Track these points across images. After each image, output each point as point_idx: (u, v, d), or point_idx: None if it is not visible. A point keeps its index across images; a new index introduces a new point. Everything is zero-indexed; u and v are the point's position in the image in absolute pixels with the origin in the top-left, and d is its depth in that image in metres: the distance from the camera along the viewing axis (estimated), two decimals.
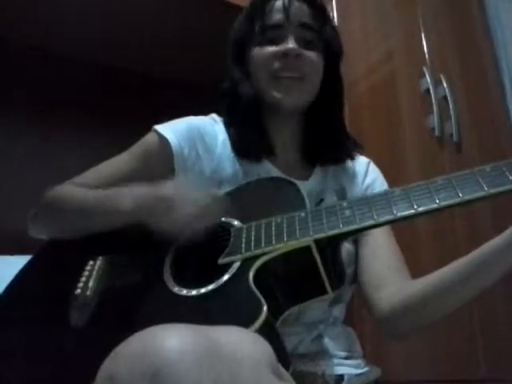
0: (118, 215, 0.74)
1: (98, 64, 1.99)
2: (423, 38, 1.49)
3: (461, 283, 0.70)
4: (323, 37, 0.88)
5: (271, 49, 0.85)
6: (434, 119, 1.38)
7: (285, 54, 0.83)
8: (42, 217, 0.84)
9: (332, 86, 0.91)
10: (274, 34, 0.86)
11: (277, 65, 0.84)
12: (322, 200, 0.85)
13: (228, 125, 0.90)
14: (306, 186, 0.83)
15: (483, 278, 0.69)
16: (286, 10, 0.85)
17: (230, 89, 0.90)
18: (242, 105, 0.87)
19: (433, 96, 1.39)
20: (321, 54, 0.87)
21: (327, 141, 0.91)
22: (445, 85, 1.38)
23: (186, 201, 0.70)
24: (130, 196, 0.74)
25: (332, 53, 0.90)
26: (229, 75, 0.91)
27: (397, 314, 0.78)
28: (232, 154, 0.87)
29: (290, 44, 0.83)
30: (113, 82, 2.02)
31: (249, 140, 0.87)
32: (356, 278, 0.88)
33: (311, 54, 0.86)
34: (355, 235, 0.86)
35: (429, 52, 1.47)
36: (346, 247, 0.85)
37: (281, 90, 0.84)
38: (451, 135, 1.35)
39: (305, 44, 0.85)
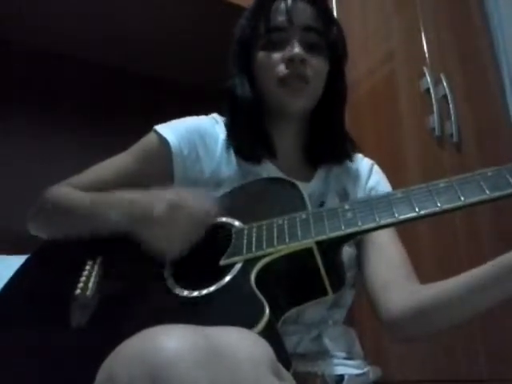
0: (107, 224, 0.74)
1: (98, 64, 1.99)
2: (423, 38, 1.48)
3: (475, 293, 0.68)
4: (328, 39, 0.87)
5: (276, 54, 0.84)
6: (434, 119, 1.38)
7: (290, 59, 0.82)
8: (39, 217, 0.85)
9: (336, 87, 0.90)
10: (278, 38, 0.84)
11: (282, 70, 0.83)
12: (323, 203, 0.84)
13: (229, 126, 0.89)
14: (307, 189, 0.82)
15: (497, 291, 0.67)
16: (289, 12, 0.84)
17: (230, 91, 0.89)
18: (242, 108, 0.87)
19: (433, 96, 1.39)
20: (325, 57, 0.87)
21: (329, 142, 0.91)
22: (445, 84, 1.38)
23: (175, 220, 0.69)
24: (119, 206, 0.74)
25: (336, 55, 0.90)
26: (231, 76, 0.90)
27: (407, 317, 0.76)
28: (232, 155, 0.87)
29: (296, 49, 0.82)
30: (113, 81, 2.02)
31: (251, 143, 0.86)
32: (356, 282, 0.88)
33: (315, 59, 0.85)
34: (357, 237, 0.86)
35: (429, 52, 1.47)
36: (348, 250, 0.84)
37: (289, 94, 0.84)
38: (451, 135, 1.34)
39: (309, 47, 0.84)
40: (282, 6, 0.85)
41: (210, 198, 0.75)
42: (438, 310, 0.73)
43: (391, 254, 0.85)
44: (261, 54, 0.86)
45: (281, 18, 0.85)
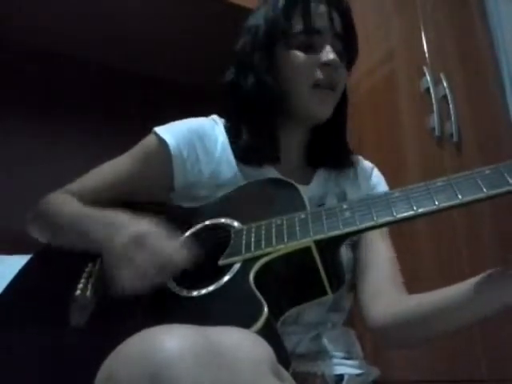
0: (90, 245, 0.74)
1: (98, 64, 1.99)
2: (423, 38, 1.49)
3: (457, 308, 0.66)
4: (351, 50, 0.87)
5: (311, 57, 0.83)
6: (434, 119, 1.38)
7: (327, 64, 0.82)
8: (35, 224, 0.86)
9: (344, 94, 0.90)
10: (314, 40, 0.83)
11: (318, 74, 0.82)
12: (322, 205, 0.84)
13: (233, 127, 0.88)
14: (307, 192, 0.81)
15: (481, 307, 0.65)
16: (329, 16, 0.83)
17: (253, 85, 0.85)
18: (264, 105, 0.85)
19: (433, 95, 1.39)
20: (345, 67, 0.87)
21: (334, 147, 0.91)
22: (445, 84, 1.38)
23: (133, 255, 0.64)
24: (94, 230, 0.73)
25: (351, 65, 0.90)
26: (248, 70, 0.86)
27: (389, 327, 0.77)
28: (231, 157, 0.86)
29: (331, 55, 0.81)
30: (113, 82, 2.02)
31: (258, 147, 0.85)
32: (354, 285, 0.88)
33: (343, 68, 0.86)
34: (355, 236, 0.86)
35: (429, 52, 1.47)
36: (346, 254, 0.84)
37: (316, 102, 0.83)
38: (451, 135, 1.35)
39: (338, 55, 0.83)
40: (321, 9, 0.84)
41: (185, 244, 0.70)
42: (417, 322, 0.72)
43: (381, 261, 0.85)
44: (295, 54, 0.84)
45: (320, 21, 0.83)
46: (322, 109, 0.84)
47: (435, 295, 0.70)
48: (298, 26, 0.84)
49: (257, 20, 0.89)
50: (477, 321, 0.66)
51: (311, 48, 0.83)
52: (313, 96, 0.83)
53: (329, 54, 0.82)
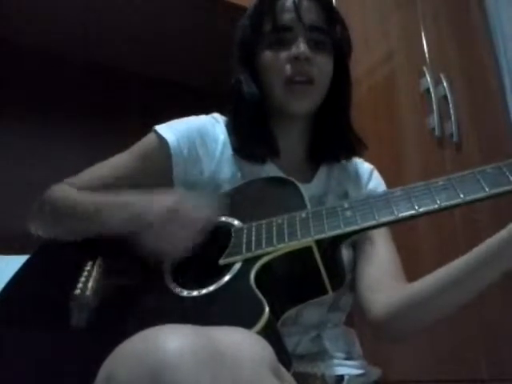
0: (108, 228, 0.74)
1: (98, 64, 1.99)
2: (423, 38, 1.49)
3: (458, 282, 0.69)
4: (333, 38, 0.87)
5: (282, 53, 0.83)
6: (434, 119, 1.38)
7: (295, 58, 0.82)
8: (38, 217, 0.85)
9: (340, 85, 0.89)
10: (284, 37, 0.84)
11: (288, 69, 0.82)
12: (323, 204, 0.84)
13: (232, 126, 0.89)
14: (308, 190, 0.81)
15: (481, 276, 0.68)
16: (296, 10, 0.83)
17: (235, 89, 0.88)
18: (246, 106, 0.86)
19: (433, 95, 1.39)
20: (330, 54, 0.86)
21: (334, 139, 0.90)
22: (445, 84, 1.38)
23: (172, 224, 0.69)
24: (119, 210, 0.74)
25: (341, 53, 0.89)
26: (235, 75, 0.89)
27: (393, 315, 0.76)
28: (232, 155, 0.86)
29: (301, 48, 0.82)
30: (113, 82, 2.02)
31: (253, 142, 0.86)
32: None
33: (321, 57, 0.84)
34: (356, 236, 0.85)
35: (429, 52, 1.47)
36: (347, 253, 0.84)
37: (293, 97, 0.83)
38: (451, 135, 1.35)
39: (315, 45, 0.84)
40: (289, 3, 0.84)
41: (212, 201, 0.74)
42: (421, 302, 0.74)
43: (382, 257, 0.85)
44: (266, 54, 0.85)
45: (287, 17, 0.84)
46: (298, 102, 0.84)
47: (437, 273, 0.72)
48: (267, 26, 0.85)
49: (239, 26, 0.91)
50: (477, 293, 0.69)
51: (284, 44, 0.84)
52: (287, 91, 0.83)
53: (298, 47, 0.82)
